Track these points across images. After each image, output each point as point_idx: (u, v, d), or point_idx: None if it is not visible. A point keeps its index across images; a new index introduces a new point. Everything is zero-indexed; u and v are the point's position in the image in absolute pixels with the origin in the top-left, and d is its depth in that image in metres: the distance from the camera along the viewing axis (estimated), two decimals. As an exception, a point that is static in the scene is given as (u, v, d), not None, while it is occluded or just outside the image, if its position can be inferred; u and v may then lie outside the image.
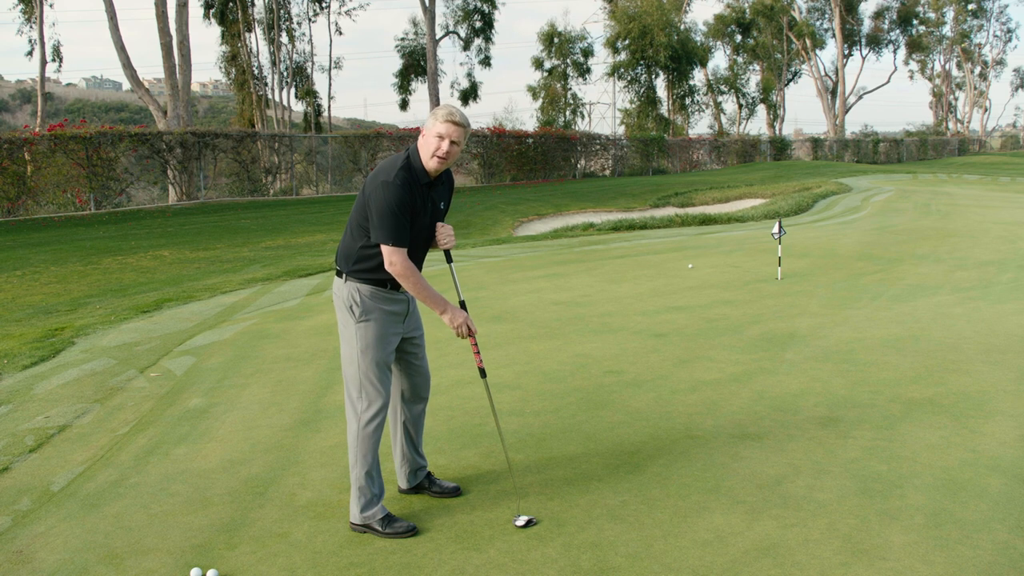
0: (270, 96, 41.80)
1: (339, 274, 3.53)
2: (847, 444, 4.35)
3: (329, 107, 42.76)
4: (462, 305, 3.67)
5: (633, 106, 47.87)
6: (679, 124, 48.84)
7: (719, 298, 8.48)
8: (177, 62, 25.43)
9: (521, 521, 3.50)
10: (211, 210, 20.87)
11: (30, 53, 31.18)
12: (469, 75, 43.26)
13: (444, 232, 3.55)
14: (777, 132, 55.64)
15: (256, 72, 41.09)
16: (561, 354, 6.31)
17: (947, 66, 74.16)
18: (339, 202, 23.06)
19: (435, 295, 3.42)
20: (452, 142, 3.34)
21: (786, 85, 59.56)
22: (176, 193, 22.99)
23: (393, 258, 3.33)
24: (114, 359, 6.46)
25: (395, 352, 3.60)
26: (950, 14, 69.14)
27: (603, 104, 75.17)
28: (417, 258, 3.51)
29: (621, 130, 47.69)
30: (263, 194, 25.00)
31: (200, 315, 8.14)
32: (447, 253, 3.64)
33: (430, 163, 3.37)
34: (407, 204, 3.31)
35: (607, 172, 36.17)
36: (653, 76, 47.32)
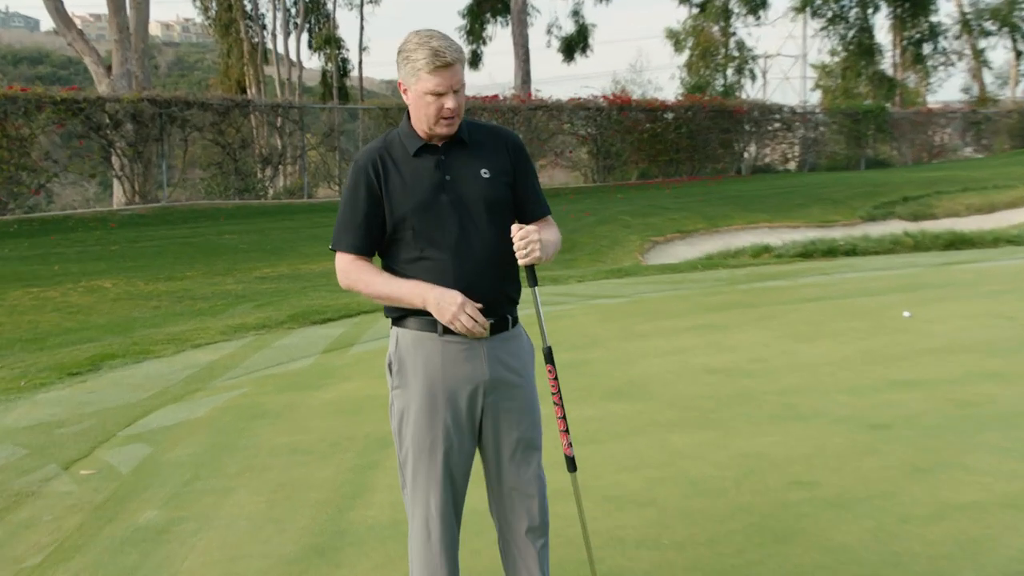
0: (270, 46, 43.34)
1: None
2: None
3: (360, 63, 44.39)
4: (547, 354, 3.65)
5: (836, 60, 47.51)
6: (912, 88, 48.11)
7: (979, 368, 8.24)
8: (129, -10, 25.88)
9: None
10: (178, 218, 21.52)
11: None
12: (576, 14, 44.01)
13: (523, 238, 3.52)
14: (1080, 98, 54.10)
15: (250, 8, 42.43)
16: (719, 453, 6.23)
17: None
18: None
19: (403, 287, 3.50)
20: (454, 91, 3.47)
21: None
22: (125, 192, 23.57)
23: (337, 265, 3.63)
24: (23, 447, 6.65)
25: (471, 440, 3.62)
26: None
27: (786, 57, 74.90)
28: (445, 258, 3.50)
29: (815, 98, 47.40)
30: (258, 195, 25.71)
31: (160, 380, 8.38)
32: (530, 271, 3.64)
33: (436, 130, 3.53)
34: (360, 189, 3.56)
35: (792, 165, 35.84)
36: (870, 11, 46.89)
